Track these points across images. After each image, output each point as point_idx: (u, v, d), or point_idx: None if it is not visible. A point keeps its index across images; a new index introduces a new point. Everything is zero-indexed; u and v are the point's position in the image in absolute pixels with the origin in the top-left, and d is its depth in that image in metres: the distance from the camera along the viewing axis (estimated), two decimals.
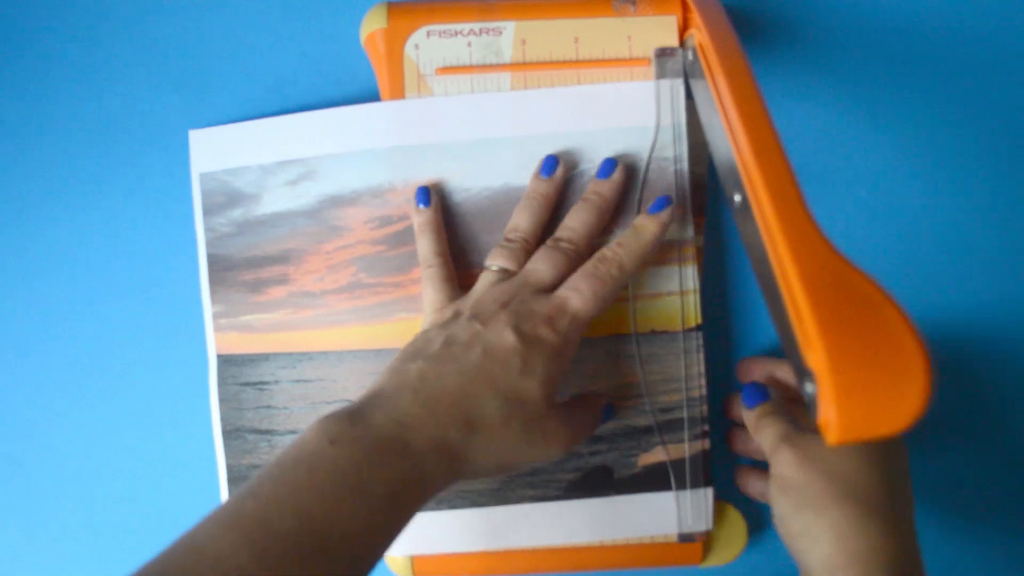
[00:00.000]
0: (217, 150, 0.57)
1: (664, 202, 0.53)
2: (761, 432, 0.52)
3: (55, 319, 0.60)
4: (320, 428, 0.43)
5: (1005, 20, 0.59)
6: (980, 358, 0.60)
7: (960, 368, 0.59)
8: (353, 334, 0.56)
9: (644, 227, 0.52)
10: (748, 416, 0.54)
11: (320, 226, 0.56)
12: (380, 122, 0.55)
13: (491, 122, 0.55)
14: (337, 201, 0.56)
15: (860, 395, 0.35)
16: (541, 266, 0.51)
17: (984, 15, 0.59)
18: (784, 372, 0.56)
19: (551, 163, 0.54)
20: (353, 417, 0.44)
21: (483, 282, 0.52)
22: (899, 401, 0.35)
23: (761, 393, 0.54)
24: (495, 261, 0.52)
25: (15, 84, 0.59)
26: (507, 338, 0.47)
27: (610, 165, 0.54)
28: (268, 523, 0.39)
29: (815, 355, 0.36)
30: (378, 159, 0.55)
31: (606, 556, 0.56)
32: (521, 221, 0.53)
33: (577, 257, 0.52)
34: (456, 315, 0.50)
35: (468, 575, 0.57)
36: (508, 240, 0.53)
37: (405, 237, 0.56)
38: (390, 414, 0.44)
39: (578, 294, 0.49)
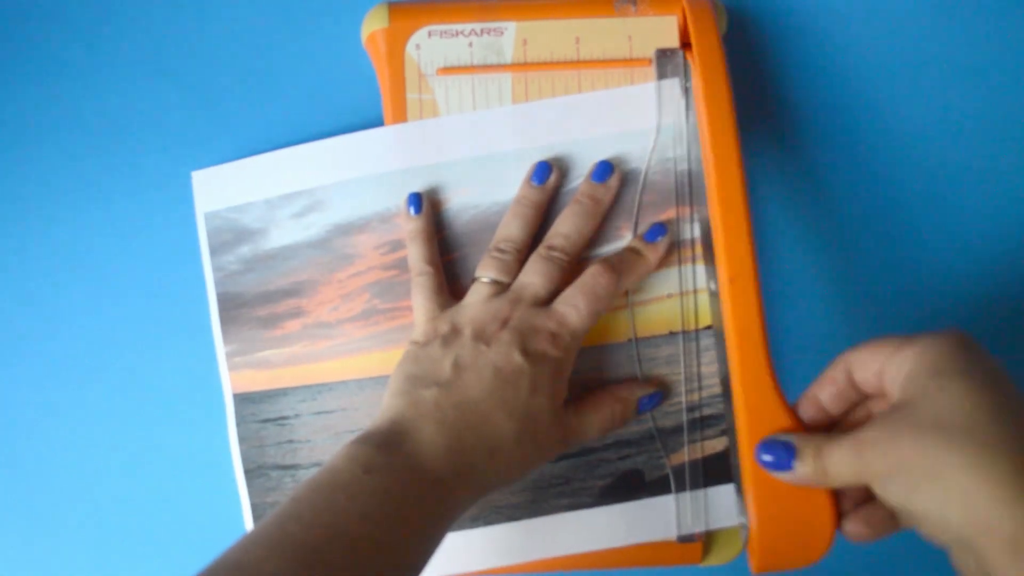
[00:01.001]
0: (220, 188, 0.57)
1: (661, 231, 0.53)
2: (831, 471, 0.44)
3: (68, 369, 0.60)
4: (351, 456, 0.44)
5: (1004, 21, 0.59)
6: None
7: None
8: (372, 360, 0.56)
9: (643, 254, 0.53)
10: (798, 475, 0.45)
11: (330, 255, 0.56)
12: (383, 147, 0.55)
13: (494, 137, 0.55)
14: (345, 229, 0.56)
15: (777, 540, 0.46)
16: (536, 279, 0.51)
17: (983, 16, 0.59)
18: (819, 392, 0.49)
19: (544, 170, 0.54)
20: (382, 447, 0.45)
21: (476, 295, 0.52)
22: (808, 545, 0.45)
23: (784, 449, 0.46)
24: (487, 272, 0.52)
25: (15, 89, 0.60)
26: (515, 359, 0.48)
27: (606, 168, 0.53)
28: (317, 548, 0.40)
29: (749, 504, 0.46)
30: (384, 184, 0.55)
31: (607, 556, 0.56)
32: (512, 230, 0.53)
33: (569, 266, 0.52)
34: (455, 331, 0.50)
35: (466, 574, 0.57)
36: (499, 250, 0.53)
37: None
38: (417, 446, 0.45)
39: (576, 311, 0.50)
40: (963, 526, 0.38)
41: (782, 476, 0.46)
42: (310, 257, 0.56)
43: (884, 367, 0.44)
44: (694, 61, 0.51)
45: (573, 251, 0.52)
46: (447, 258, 0.55)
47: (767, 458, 0.46)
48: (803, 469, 0.45)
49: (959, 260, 0.60)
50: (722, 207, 0.47)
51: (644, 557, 0.56)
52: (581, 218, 0.53)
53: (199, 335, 0.59)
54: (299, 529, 0.40)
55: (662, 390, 0.55)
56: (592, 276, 0.51)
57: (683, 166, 0.54)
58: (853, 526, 0.46)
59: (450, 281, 0.55)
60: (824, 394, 0.47)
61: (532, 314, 0.50)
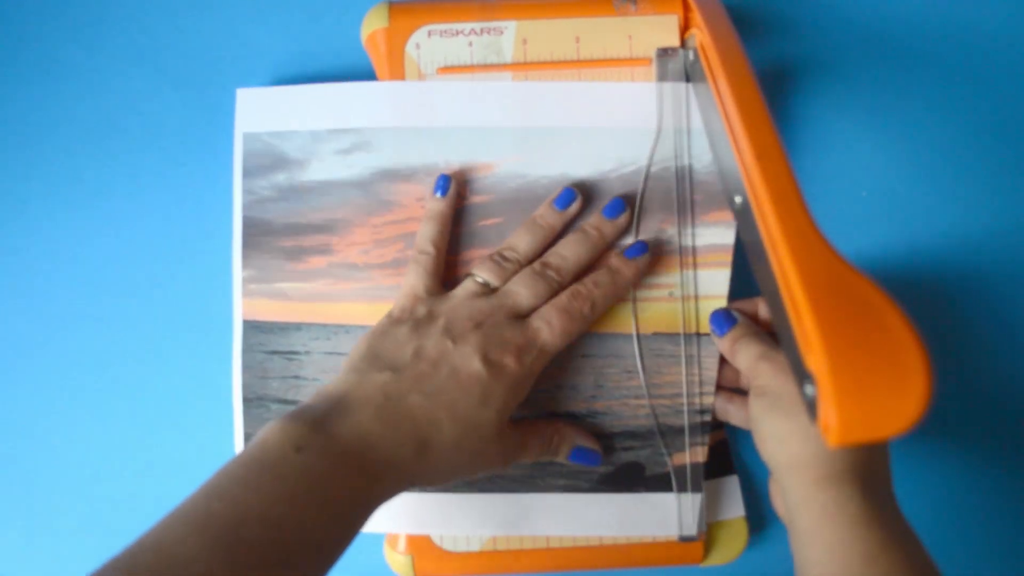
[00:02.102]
0: (265, 111, 0.56)
1: (641, 248, 0.54)
2: (738, 354, 0.52)
3: (73, 271, 0.60)
4: (284, 433, 0.43)
5: (1005, 20, 0.59)
6: (981, 359, 0.59)
7: (961, 370, 0.59)
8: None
9: (620, 272, 0.53)
10: (723, 343, 0.54)
11: (370, 198, 0.55)
12: (444, 100, 0.55)
13: (552, 111, 0.54)
14: (391, 175, 0.55)
15: (860, 397, 0.35)
16: (523, 291, 0.51)
17: (984, 15, 0.59)
18: (751, 306, 0.55)
19: (568, 196, 0.54)
20: (316, 425, 0.44)
21: (463, 291, 0.52)
22: (899, 403, 0.35)
23: (729, 318, 0.54)
24: (481, 273, 0.52)
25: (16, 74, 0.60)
26: (473, 365, 0.48)
27: (619, 207, 0.54)
28: (238, 528, 0.39)
29: (815, 357, 0.36)
30: (438, 138, 0.55)
31: (607, 555, 0.56)
32: (521, 243, 0.53)
33: (559, 288, 0.52)
34: (429, 318, 0.50)
35: (469, 575, 0.57)
36: (502, 256, 0.53)
37: (458, 217, 0.55)
38: (352, 428, 0.45)
39: (549, 329, 0.50)
40: (783, 460, 0.47)
41: (714, 337, 0.55)
42: (348, 196, 0.55)
43: None
44: (695, 20, 0.51)
45: (567, 275, 0.52)
46: (488, 222, 0.55)
47: (717, 315, 0.54)
48: (723, 343, 0.54)
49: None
50: (735, 94, 0.44)
51: (645, 557, 0.56)
52: (583, 246, 0.53)
53: (217, 257, 0.59)
54: (223, 507, 0.40)
55: (600, 454, 0.55)
56: (569, 297, 0.51)
57: (688, 164, 0.54)
58: (720, 401, 0.56)
59: (484, 245, 0.55)
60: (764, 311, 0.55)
61: (506, 324, 0.50)
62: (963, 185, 0.59)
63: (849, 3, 0.59)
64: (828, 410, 0.35)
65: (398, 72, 0.55)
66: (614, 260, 0.53)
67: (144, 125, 0.60)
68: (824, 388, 0.35)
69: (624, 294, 0.54)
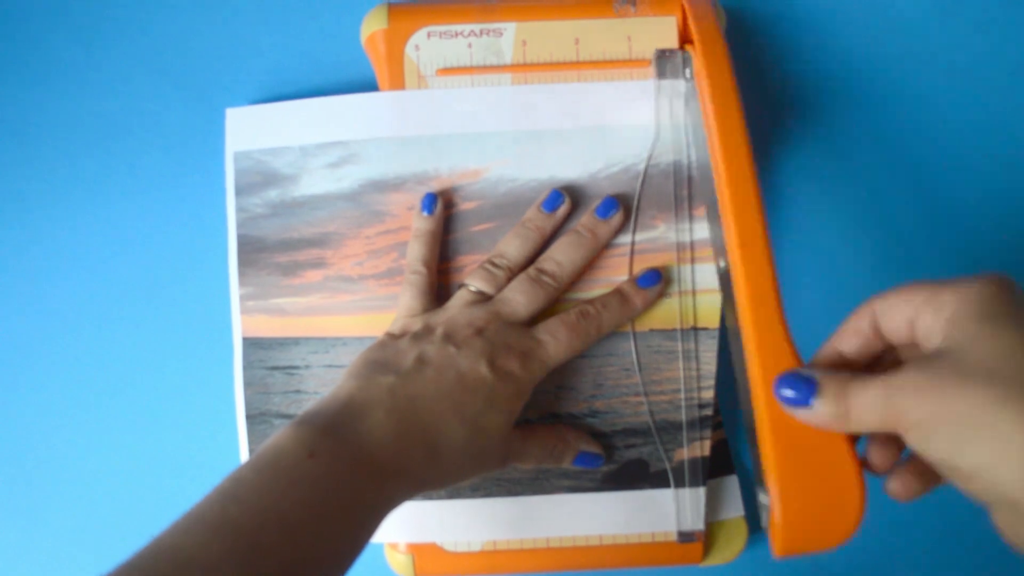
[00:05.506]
0: (254, 129, 0.56)
1: (655, 278, 0.53)
2: (854, 413, 0.39)
3: (74, 288, 0.61)
4: (297, 438, 0.43)
5: (1002, 23, 0.58)
6: None
7: None
8: (391, 320, 0.55)
9: (630, 299, 0.53)
10: (815, 414, 0.40)
11: (361, 210, 0.56)
12: (428, 108, 0.54)
13: (539, 114, 0.54)
14: (380, 186, 0.55)
15: (802, 525, 0.40)
16: (519, 298, 0.51)
17: (981, 18, 0.58)
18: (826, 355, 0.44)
19: (556, 198, 0.53)
20: (328, 430, 0.44)
21: (458, 301, 0.52)
22: (834, 527, 0.40)
23: (806, 384, 0.40)
24: (475, 282, 0.53)
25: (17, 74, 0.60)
26: (480, 369, 0.48)
27: (611, 206, 0.53)
28: (255, 534, 0.39)
29: (771, 481, 0.38)
30: (425, 146, 0.55)
31: (608, 555, 0.57)
32: (510, 249, 0.53)
33: (556, 292, 0.52)
34: (427, 329, 0.51)
35: (469, 574, 0.58)
36: (493, 264, 0.53)
37: (450, 224, 0.56)
38: (363, 433, 0.45)
39: (555, 342, 0.51)
40: (1017, 484, 0.34)
41: (800, 414, 0.41)
42: (340, 209, 0.56)
43: (918, 314, 0.39)
44: (696, 54, 0.50)
45: (563, 279, 0.52)
46: (479, 228, 0.55)
47: (787, 393, 0.41)
48: (823, 408, 0.40)
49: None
50: (728, 171, 0.44)
51: (644, 557, 0.57)
52: (576, 248, 0.53)
53: (216, 275, 0.59)
54: (239, 512, 0.39)
55: (603, 456, 0.56)
56: (579, 315, 0.52)
57: (683, 161, 0.54)
58: (897, 483, 0.43)
59: (476, 251, 0.55)
60: (846, 346, 0.42)
61: (509, 330, 0.50)
62: (963, 186, 0.58)
63: (849, 4, 0.58)
64: (775, 530, 0.39)
65: (397, 73, 0.54)
66: (626, 287, 0.53)
67: (145, 127, 0.60)
68: (774, 510, 0.38)
69: (629, 320, 0.54)
